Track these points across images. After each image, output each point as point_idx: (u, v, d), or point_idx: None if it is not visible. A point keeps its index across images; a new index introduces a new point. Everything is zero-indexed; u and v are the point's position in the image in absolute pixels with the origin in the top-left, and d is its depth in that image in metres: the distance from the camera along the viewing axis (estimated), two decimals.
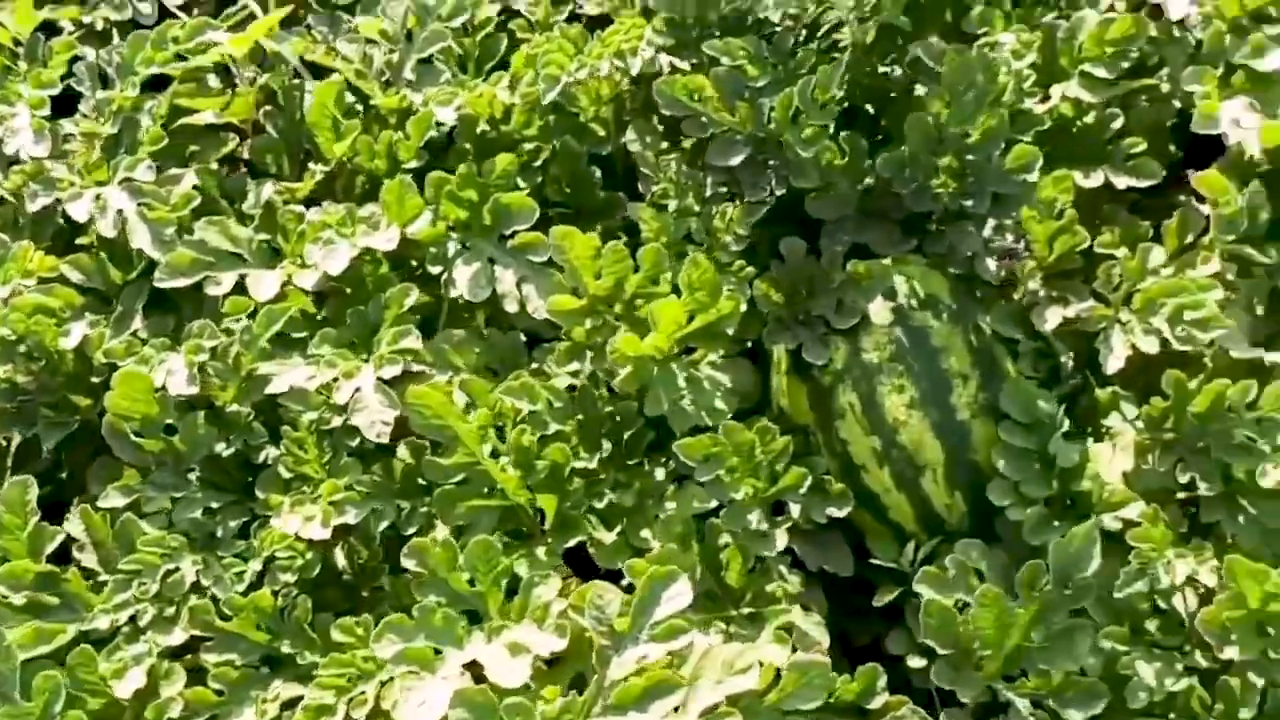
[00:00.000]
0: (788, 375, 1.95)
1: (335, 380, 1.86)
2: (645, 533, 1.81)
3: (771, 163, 1.93)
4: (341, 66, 2.18)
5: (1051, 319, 1.86)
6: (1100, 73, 1.98)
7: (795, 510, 1.82)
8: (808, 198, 1.95)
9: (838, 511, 1.85)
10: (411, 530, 1.82)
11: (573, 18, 2.27)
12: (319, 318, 1.98)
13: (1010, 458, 1.80)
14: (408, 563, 1.70)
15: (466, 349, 1.93)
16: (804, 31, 2.00)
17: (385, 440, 1.83)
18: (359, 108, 2.15)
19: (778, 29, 1.97)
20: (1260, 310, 1.90)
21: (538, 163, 2.12)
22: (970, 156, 1.89)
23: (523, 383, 1.84)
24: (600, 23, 2.20)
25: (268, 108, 2.21)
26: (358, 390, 1.84)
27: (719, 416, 1.86)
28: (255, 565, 1.81)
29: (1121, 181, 1.96)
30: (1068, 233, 1.86)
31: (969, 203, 1.90)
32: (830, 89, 1.85)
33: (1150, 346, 1.81)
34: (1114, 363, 1.82)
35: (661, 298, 1.84)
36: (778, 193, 1.94)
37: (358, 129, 2.09)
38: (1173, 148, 2.11)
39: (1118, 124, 2.00)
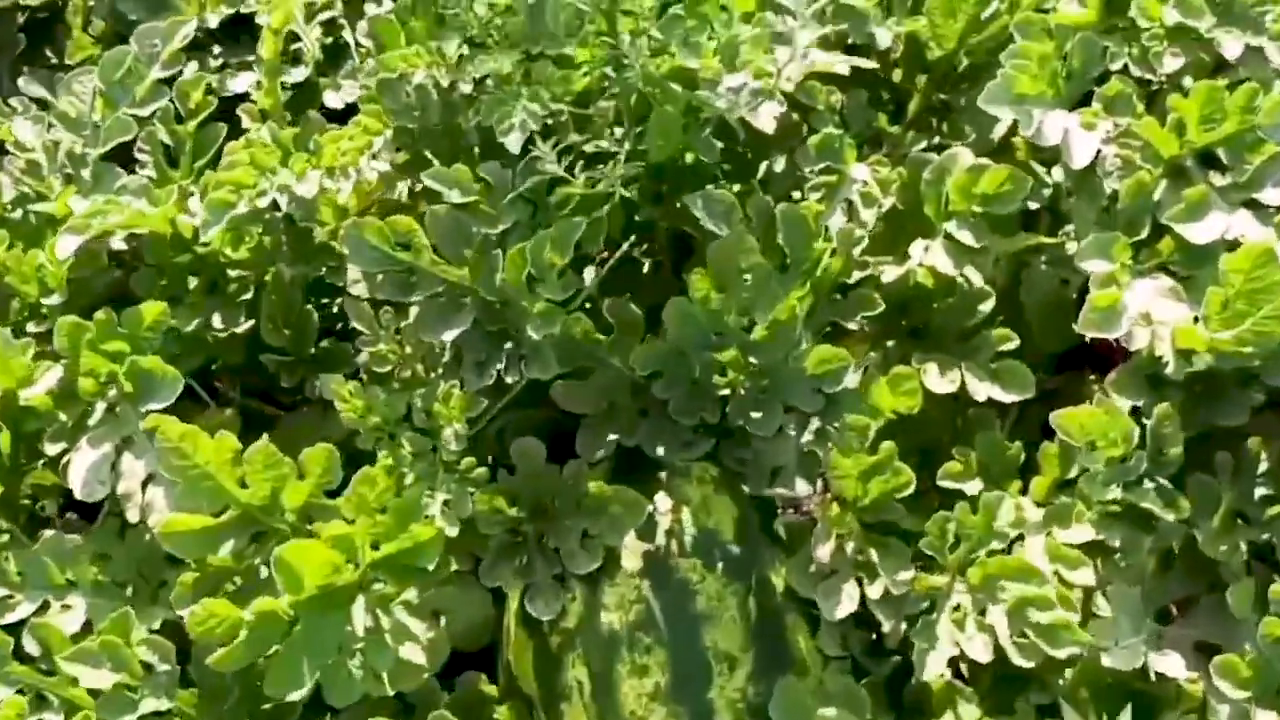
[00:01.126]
0: (517, 623, 1.44)
1: None
2: None
3: (511, 337, 1.43)
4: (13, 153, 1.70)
5: (846, 599, 1.34)
6: (966, 237, 1.46)
7: None
8: (555, 383, 1.45)
9: None
10: None
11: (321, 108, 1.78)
12: None
13: None
14: None
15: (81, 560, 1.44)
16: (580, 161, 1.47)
17: None
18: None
19: (538, 154, 1.45)
20: (1149, 583, 1.38)
21: (245, 295, 1.63)
22: (753, 358, 1.38)
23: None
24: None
25: None
26: None
27: (407, 679, 1.37)
28: None
29: (982, 391, 1.44)
30: (884, 474, 1.34)
31: (756, 415, 1.39)
32: (565, 250, 1.34)
33: (980, 653, 1.29)
34: (933, 665, 1.31)
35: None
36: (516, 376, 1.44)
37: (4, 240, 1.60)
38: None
39: (986, 306, 1.48)
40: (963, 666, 1.38)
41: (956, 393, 1.47)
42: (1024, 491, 1.46)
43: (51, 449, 1.45)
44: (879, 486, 1.35)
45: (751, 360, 1.37)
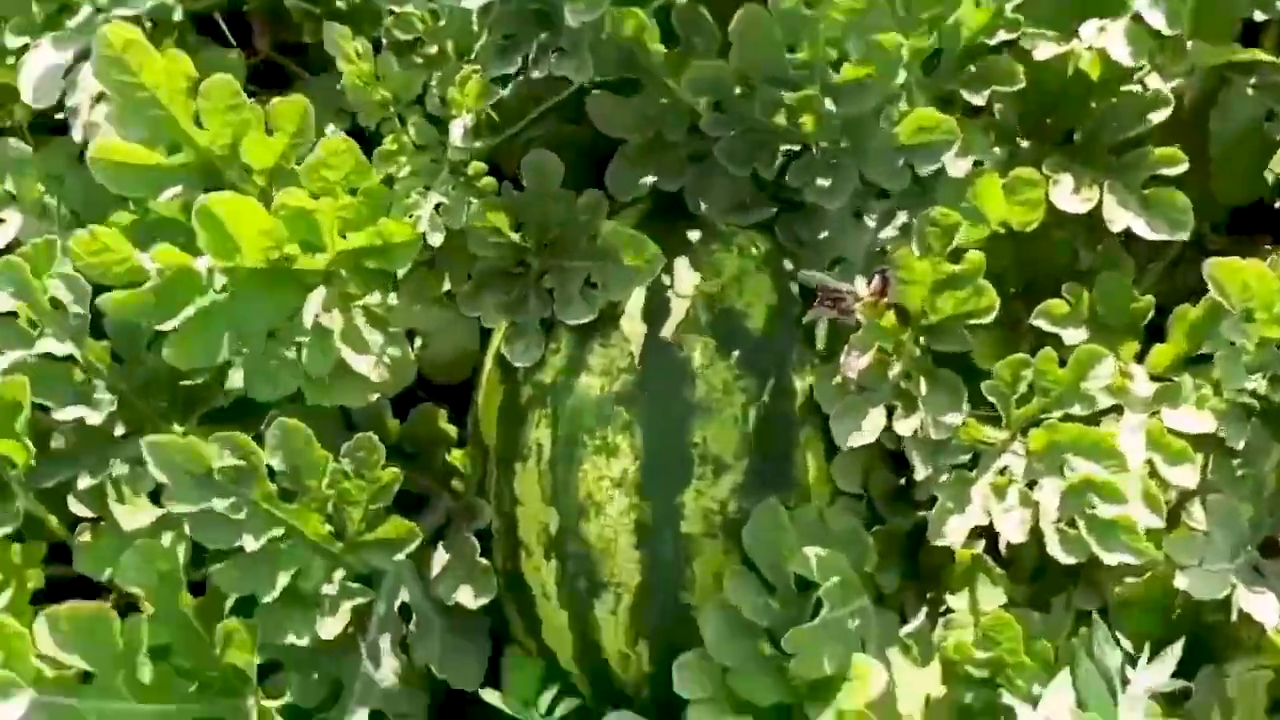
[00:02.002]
0: (494, 363, 1.23)
1: None
2: None
3: (550, 24, 1.15)
4: None
5: (867, 428, 1.07)
6: (1159, 21, 1.11)
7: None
8: (591, 93, 1.18)
9: (471, 599, 1.17)
10: None
11: None
12: None
13: (725, 632, 1.06)
14: None
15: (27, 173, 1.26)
16: None
17: None
18: None
19: None
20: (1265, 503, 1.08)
21: None
22: (834, 104, 1.07)
23: None
24: None
25: None
26: None
27: (351, 393, 1.17)
28: None
29: (1122, 220, 1.12)
30: (962, 289, 1.05)
31: (824, 182, 1.10)
32: None
33: (1013, 530, 1.02)
34: (952, 530, 1.05)
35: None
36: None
37: None
38: None
39: (1159, 115, 1.14)
40: (1002, 544, 1.12)
41: (1089, 218, 1.16)
42: (1139, 360, 1.16)
43: (14, 42, 1.25)
44: (952, 303, 1.06)
45: (831, 107, 1.07)
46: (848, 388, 1.07)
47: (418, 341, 1.31)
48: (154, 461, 1.03)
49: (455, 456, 1.24)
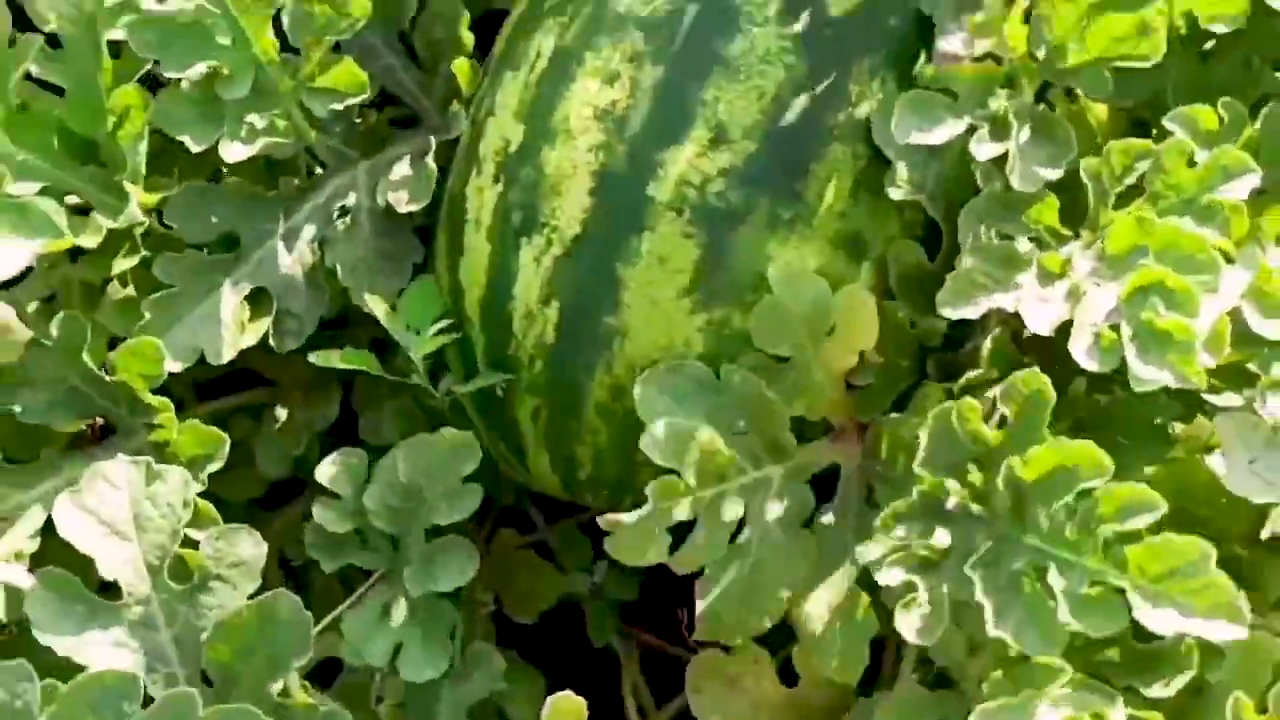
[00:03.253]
0: None
1: None
2: None
3: None
4: None
5: (940, 129, 0.84)
6: None
7: None
8: None
9: (404, 202, 1.00)
10: None
11: None
12: None
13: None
14: None
15: None
16: None
17: None
18: None
19: None
20: None
21: None
22: None
23: None
24: None
25: None
26: None
27: None
28: None
29: None
30: (1119, 34, 0.81)
31: None
32: None
33: (1039, 322, 0.79)
34: (971, 305, 0.81)
35: None
36: None
37: None
38: None
39: None
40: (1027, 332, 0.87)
41: None
42: None
43: None
44: (1105, 36, 0.82)
45: None
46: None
47: None
48: None
49: (461, 66, 1.06)
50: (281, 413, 1.13)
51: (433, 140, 1.02)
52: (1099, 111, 0.90)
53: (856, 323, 0.90)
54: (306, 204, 1.05)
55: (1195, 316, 0.74)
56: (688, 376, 0.89)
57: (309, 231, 1.04)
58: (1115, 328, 0.76)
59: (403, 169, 1.04)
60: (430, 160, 1.00)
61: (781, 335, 0.89)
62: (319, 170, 1.08)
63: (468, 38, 1.08)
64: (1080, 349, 0.76)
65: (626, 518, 0.83)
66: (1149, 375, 0.73)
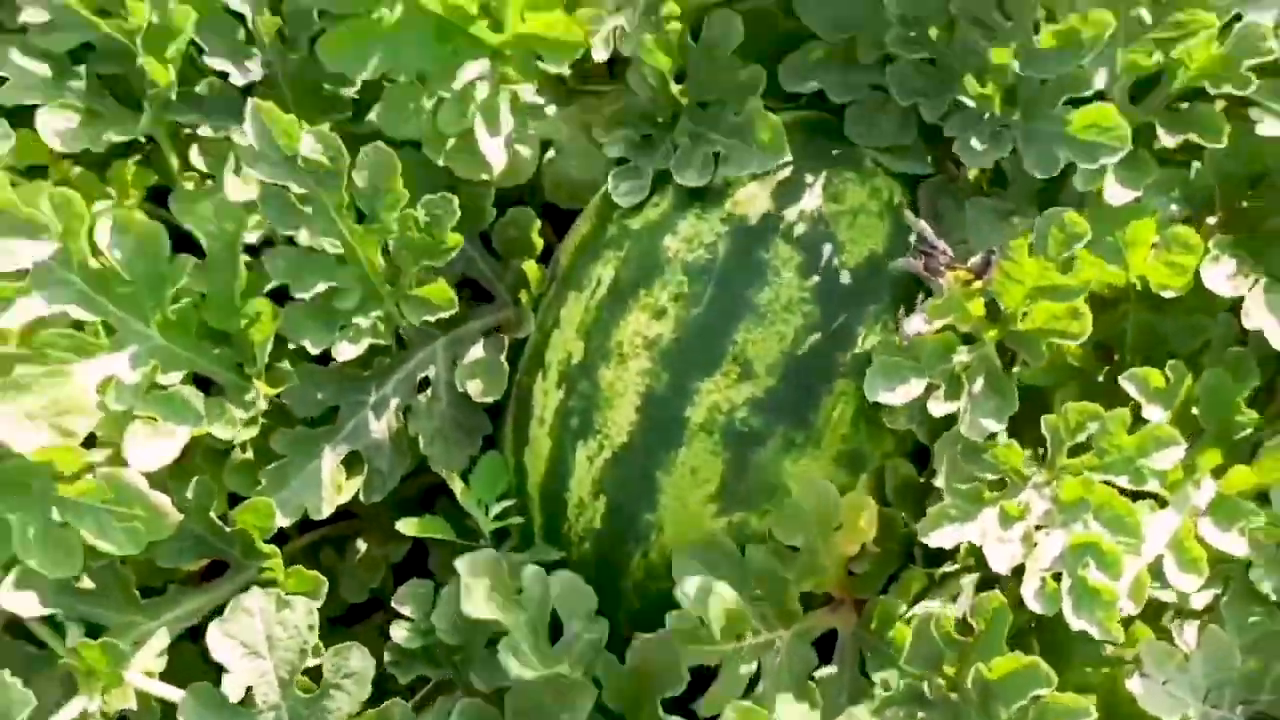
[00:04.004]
0: (599, 198, 1.23)
1: None
2: None
3: None
4: None
5: (901, 389, 1.03)
6: None
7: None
8: None
9: (478, 391, 1.19)
10: None
11: None
12: None
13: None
14: None
15: None
16: None
17: None
18: None
19: None
20: None
21: None
22: (1022, 68, 1.02)
23: None
24: None
25: None
26: None
27: (438, 149, 1.19)
28: None
29: (1256, 318, 1.03)
30: (1063, 300, 0.99)
31: (978, 144, 1.05)
32: None
33: (1000, 563, 0.97)
34: (945, 535, 1.00)
35: None
36: None
37: None
38: None
39: None
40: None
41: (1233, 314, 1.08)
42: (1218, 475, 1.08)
43: None
44: (1046, 315, 1.01)
45: (1019, 70, 1.02)
46: (899, 347, 1.03)
47: (550, 153, 1.33)
48: (252, 122, 1.07)
49: (531, 268, 1.25)
50: (361, 545, 1.33)
51: (504, 340, 1.21)
52: None
53: (859, 523, 1.09)
54: (393, 376, 1.23)
55: (1119, 578, 0.92)
56: (718, 550, 1.08)
57: (395, 402, 1.23)
58: (1058, 576, 0.95)
59: (477, 351, 1.23)
60: (503, 359, 1.19)
61: (797, 530, 1.08)
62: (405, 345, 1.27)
63: (538, 240, 1.27)
64: (1030, 592, 0.95)
65: None
66: (1079, 625, 0.93)
